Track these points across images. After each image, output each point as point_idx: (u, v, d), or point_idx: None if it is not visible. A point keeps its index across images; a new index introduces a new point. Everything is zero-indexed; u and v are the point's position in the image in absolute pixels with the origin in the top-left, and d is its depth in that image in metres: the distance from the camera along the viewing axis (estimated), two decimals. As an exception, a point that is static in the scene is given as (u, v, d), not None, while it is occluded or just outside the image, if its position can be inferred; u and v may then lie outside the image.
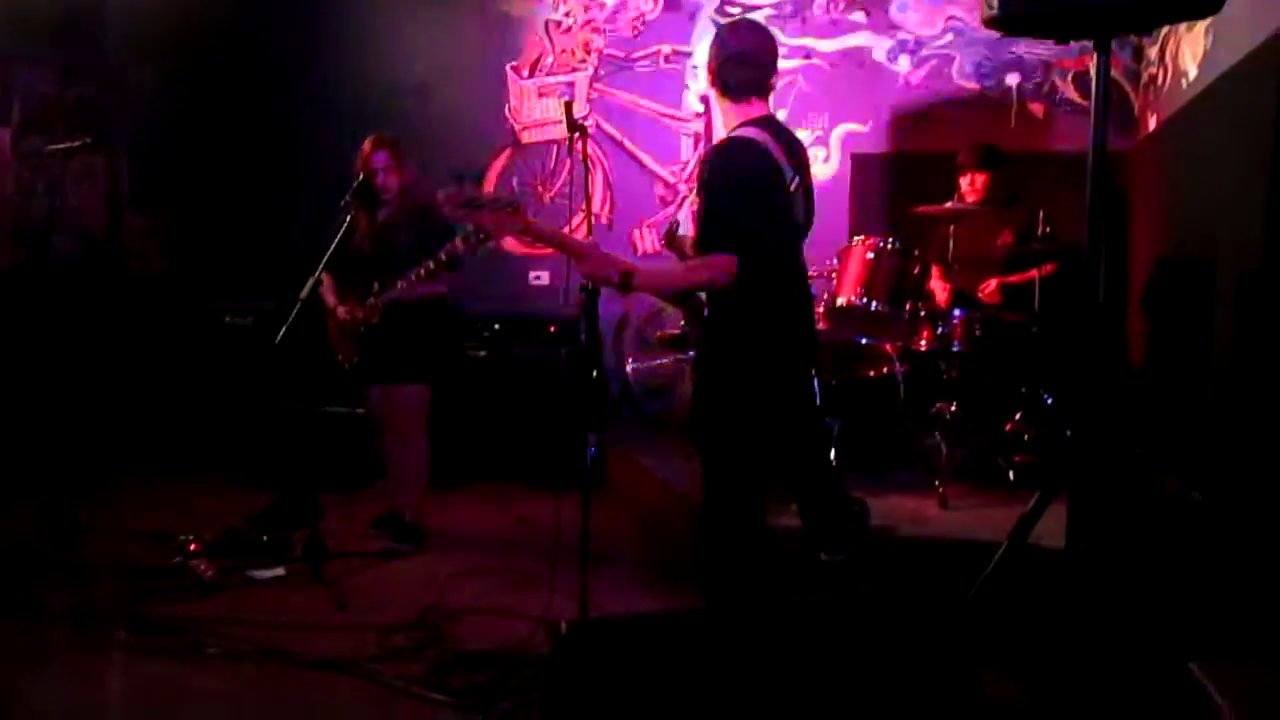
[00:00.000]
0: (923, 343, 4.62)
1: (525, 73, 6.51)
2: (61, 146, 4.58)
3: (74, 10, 5.60)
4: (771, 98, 3.08)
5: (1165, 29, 4.91)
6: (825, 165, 5.93)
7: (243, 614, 3.57)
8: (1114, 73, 5.38)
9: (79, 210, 5.74)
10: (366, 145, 4.33)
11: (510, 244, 6.20)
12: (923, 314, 4.47)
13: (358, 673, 3.13)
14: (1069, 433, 4.19)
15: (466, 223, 3.63)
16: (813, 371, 3.33)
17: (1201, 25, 4.29)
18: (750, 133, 2.95)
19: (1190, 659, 1.88)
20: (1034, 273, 4.70)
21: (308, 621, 3.54)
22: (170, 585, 3.80)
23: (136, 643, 3.33)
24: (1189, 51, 4.54)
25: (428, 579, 4.00)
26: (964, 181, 4.91)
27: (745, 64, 2.99)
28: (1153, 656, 2.58)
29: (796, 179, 3.02)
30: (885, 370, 4.76)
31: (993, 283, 4.82)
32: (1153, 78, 5.32)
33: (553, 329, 5.79)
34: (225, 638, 3.35)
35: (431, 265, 4.05)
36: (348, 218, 4.13)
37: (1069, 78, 5.63)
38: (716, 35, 3.08)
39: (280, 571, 4.02)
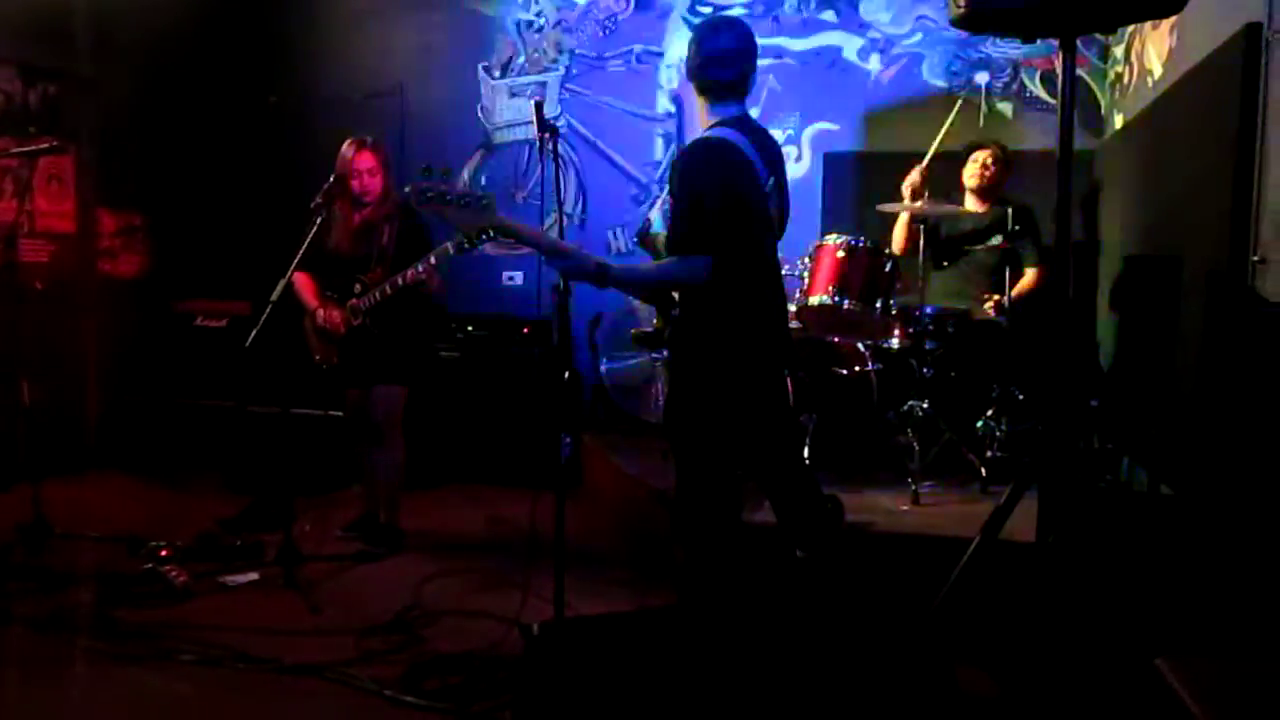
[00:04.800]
0: (895, 340, 4.64)
1: (496, 73, 6.50)
2: (28, 149, 4.51)
3: (38, 7, 5.51)
4: (749, 97, 3.09)
5: (1131, 28, 4.96)
6: (797, 164, 5.95)
7: (216, 619, 3.54)
8: (1080, 72, 5.43)
9: (48, 212, 5.67)
10: (349, 148, 4.25)
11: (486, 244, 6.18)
12: (894, 312, 4.49)
13: (332, 677, 3.11)
14: (1039, 428, 4.24)
15: (436, 215, 3.59)
16: (786, 370, 3.34)
17: (1166, 24, 4.34)
18: (724, 133, 2.95)
19: (1157, 654, 1.90)
20: (1028, 279, 4.74)
21: (282, 626, 3.52)
22: (142, 591, 3.77)
23: (107, 649, 3.30)
24: (1154, 50, 4.59)
25: (402, 581, 3.99)
26: (971, 166, 4.86)
27: (724, 64, 2.99)
28: (1121, 651, 2.61)
29: (771, 179, 3.03)
30: (858, 368, 4.77)
31: (993, 300, 4.80)
32: (1119, 76, 5.38)
33: (526, 329, 5.78)
34: (198, 644, 3.33)
35: (420, 269, 4.04)
36: (319, 219, 4.09)
37: (1037, 77, 5.68)
38: (695, 33, 3.05)
39: (254, 576, 4.01)
